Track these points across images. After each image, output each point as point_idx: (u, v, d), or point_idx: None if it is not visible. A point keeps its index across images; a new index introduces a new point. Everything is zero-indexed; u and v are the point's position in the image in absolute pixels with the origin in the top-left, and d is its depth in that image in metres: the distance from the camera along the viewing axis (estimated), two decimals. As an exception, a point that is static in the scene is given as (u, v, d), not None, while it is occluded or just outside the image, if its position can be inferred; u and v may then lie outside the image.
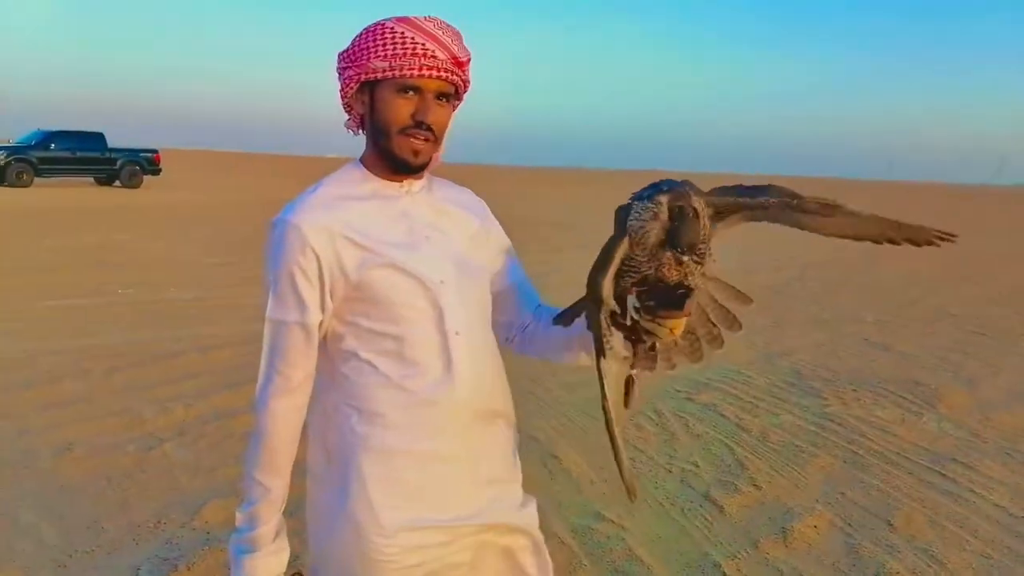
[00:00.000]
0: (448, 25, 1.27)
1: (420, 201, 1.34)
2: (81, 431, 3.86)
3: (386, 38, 1.23)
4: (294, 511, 1.41)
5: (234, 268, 8.81)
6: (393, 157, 1.28)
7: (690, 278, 1.29)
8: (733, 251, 13.77)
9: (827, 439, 4.15)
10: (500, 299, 1.45)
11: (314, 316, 1.25)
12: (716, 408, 4.59)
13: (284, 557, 1.30)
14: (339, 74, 1.28)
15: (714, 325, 1.43)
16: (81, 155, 22.88)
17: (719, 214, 1.32)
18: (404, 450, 1.27)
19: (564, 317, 1.39)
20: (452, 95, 1.29)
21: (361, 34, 1.26)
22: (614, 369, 1.31)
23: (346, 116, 1.33)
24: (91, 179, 23.81)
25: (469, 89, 1.32)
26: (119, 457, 3.58)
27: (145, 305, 6.99)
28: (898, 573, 2.78)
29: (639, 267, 1.28)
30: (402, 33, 1.23)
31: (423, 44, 1.22)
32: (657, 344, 1.35)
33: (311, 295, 1.24)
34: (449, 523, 1.30)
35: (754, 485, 3.51)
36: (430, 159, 1.29)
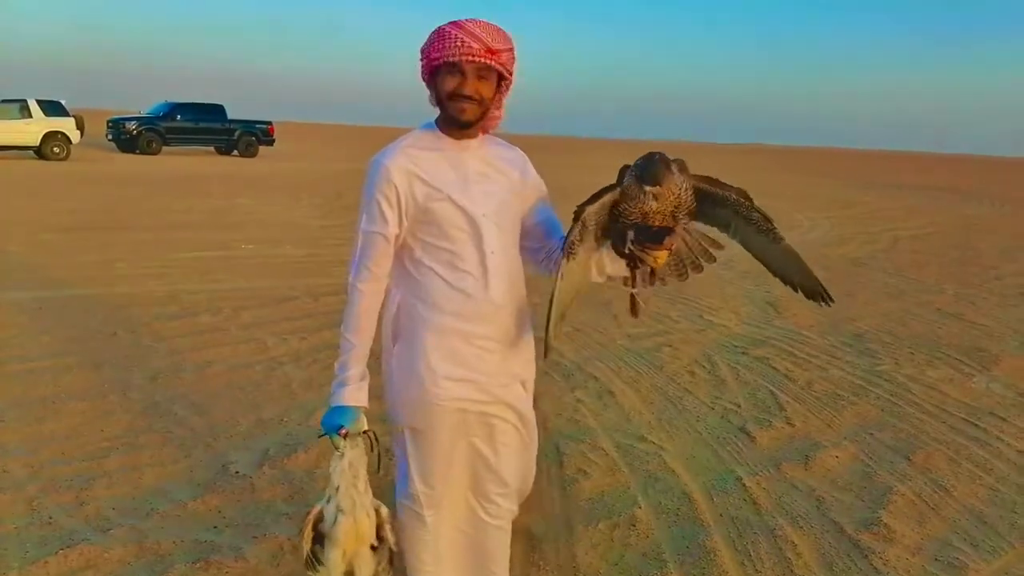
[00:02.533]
0: (489, 25, 1.76)
1: (474, 154, 1.84)
2: (217, 353, 4.67)
3: (440, 36, 1.73)
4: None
5: (341, 230, 9.66)
6: (449, 116, 1.80)
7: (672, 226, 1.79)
8: (824, 225, 13.69)
9: (870, 391, 4.47)
10: (534, 231, 1.97)
11: (392, 229, 1.79)
12: (768, 361, 4.96)
13: (363, 394, 1.84)
14: (421, 67, 1.82)
15: (696, 256, 1.93)
16: (203, 125, 24.68)
17: (699, 196, 1.79)
18: (454, 329, 1.82)
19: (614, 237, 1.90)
20: (495, 75, 1.78)
21: (430, 35, 1.79)
22: (571, 270, 1.81)
23: (427, 94, 1.86)
24: (212, 148, 25.61)
25: (513, 72, 1.82)
26: (249, 374, 4.35)
27: (264, 259, 7.90)
28: (904, 495, 3.16)
29: (631, 215, 1.79)
30: (449, 31, 1.72)
31: (462, 39, 1.71)
32: (650, 269, 1.87)
33: (391, 215, 1.78)
34: (484, 382, 1.86)
35: (788, 423, 3.91)
36: (477, 118, 1.80)
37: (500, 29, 1.79)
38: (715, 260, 1.95)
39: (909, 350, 5.38)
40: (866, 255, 9.97)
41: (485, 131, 1.90)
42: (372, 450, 1.88)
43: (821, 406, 4.18)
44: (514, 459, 1.98)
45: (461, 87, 1.76)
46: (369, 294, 1.83)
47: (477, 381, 1.85)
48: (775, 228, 1.85)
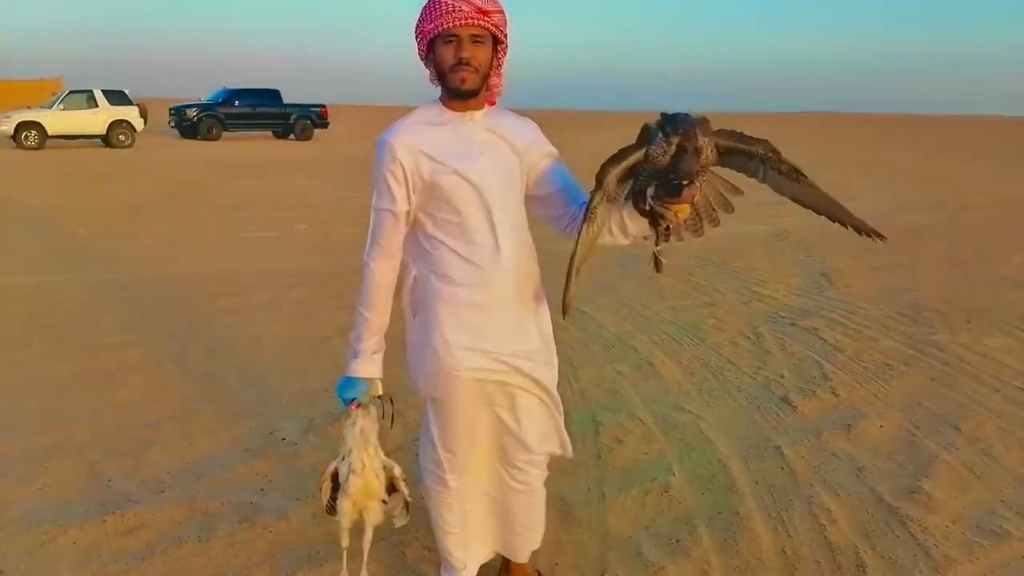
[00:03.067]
0: None
1: (479, 126, 1.85)
2: (268, 328, 4.85)
3: (430, 6, 1.75)
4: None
5: (390, 208, 9.82)
6: (451, 88, 1.80)
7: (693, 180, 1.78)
8: (887, 192, 13.23)
9: (922, 360, 4.35)
10: (552, 199, 1.98)
11: (401, 206, 1.83)
12: (817, 332, 4.87)
13: (377, 367, 1.92)
14: (417, 45, 1.82)
15: (714, 210, 1.92)
16: (260, 110, 25.21)
17: (721, 152, 1.78)
18: (468, 300, 1.85)
19: (635, 197, 1.92)
20: (490, 40, 1.79)
21: (421, 10, 1.80)
22: (591, 232, 1.82)
23: (427, 72, 1.86)
24: (269, 133, 26.18)
25: (507, 36, 1.82)
26: (298, 347, 4.50)
27: (316, 238, 8.09)
28: (948, 463, 3.09)
29: (651, 175, 1.79)
30: (438, 0, 1.73)
31: (452, 4, 1.72)
32: (670, 225, 1.87)
33: (400, 192, 1.81)
34: (499, 352, 1.89)
35: (833, 393, 3.85)
36: (478, 86, 1.81)
37: None
38: (733, 210, 1.94)
39: (967, 319, 5.19)
40: (930, 223, 9.61)
41: (490, 103, 1.92)
42: (384, 416, 1.97)
43: (869, 376, 4.09)
44: (537, 427, 2.02)
45: (459, 53, 1.77)
46: (380, 270, 1.89)
47: (492, 351, 1.89)
48: (806, 176, 1.82)
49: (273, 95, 25.67)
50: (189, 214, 9.59)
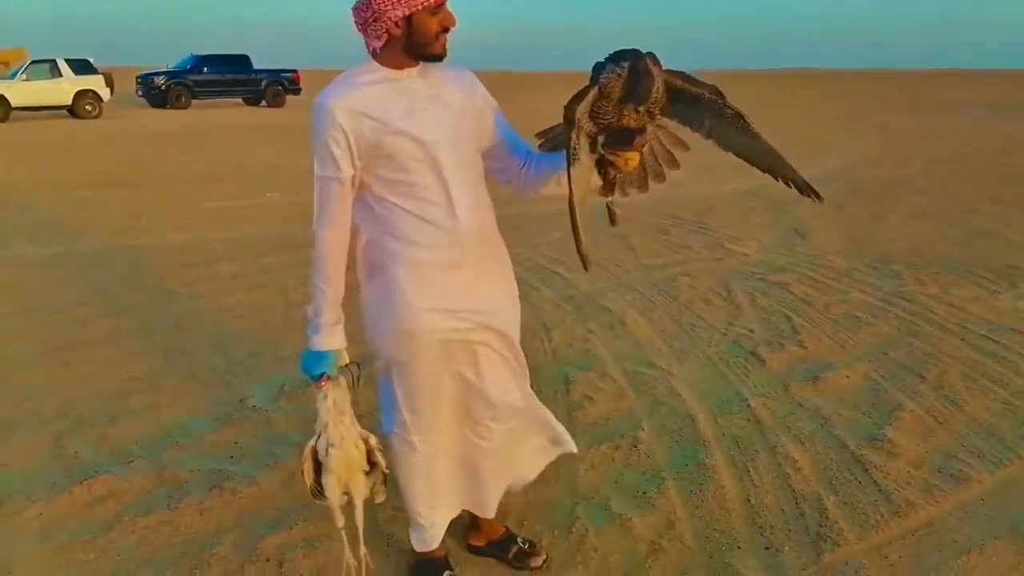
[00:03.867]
0: None
1: (417, 82, 1.78)
2: (239, 298, 4.79)
3: None
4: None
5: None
6: (431, 55, 1.75)
7: (643, 126, 1.76)
8: (858, 148, 13.28)
9: (890, 312, 4.40)
10: (495, 150, 1.95)
11: (347, 172, 1.75)
12: (787, 287, 4.90)
13: (340, 337, 1.88)
14: (374, 14, 1.70)
15: (660, 165, 1.91)
16: (230, 77, 24.67)
17: (671, 93, 1.76)
18: (427, 260, 1.82)
19: (544, 134, 1.89)
20: None
21: None
22: (579, 174, 1.78)
23: (363, 38, 1.77)
24: (240, 100, 25.65)
25: None
26: (269, 316, 4.46)
27: (286, 206, 7.98)
28: (912, 411, 3.14)
29: (606, 115, 1.76)
30: None
31: None
32: (617, 175, 1.85)
33: (343, 157, 1.74)
34: (463, 311, 1.88)
35: (801, 346, 3.89)
36: None
37: None
38: (679, 166, 1.94)
39: (936, 271, 5.25)
40: (900, 178, 9.67)
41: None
42: (355, 384, 1.94)
43: (836, 328, 4.14)
44: (500, 382, 2.01)
45: (448, 20, 1.74)
46: (332, 240, 1.83)
47: (456, 310, 1.87)
48: (750, 124, 1.80)
49: (243, 61, 25.12)
50: (156, 184, 9.42)
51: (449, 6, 1.76)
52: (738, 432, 2.99)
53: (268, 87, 25.15)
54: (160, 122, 19.33)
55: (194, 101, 24.20)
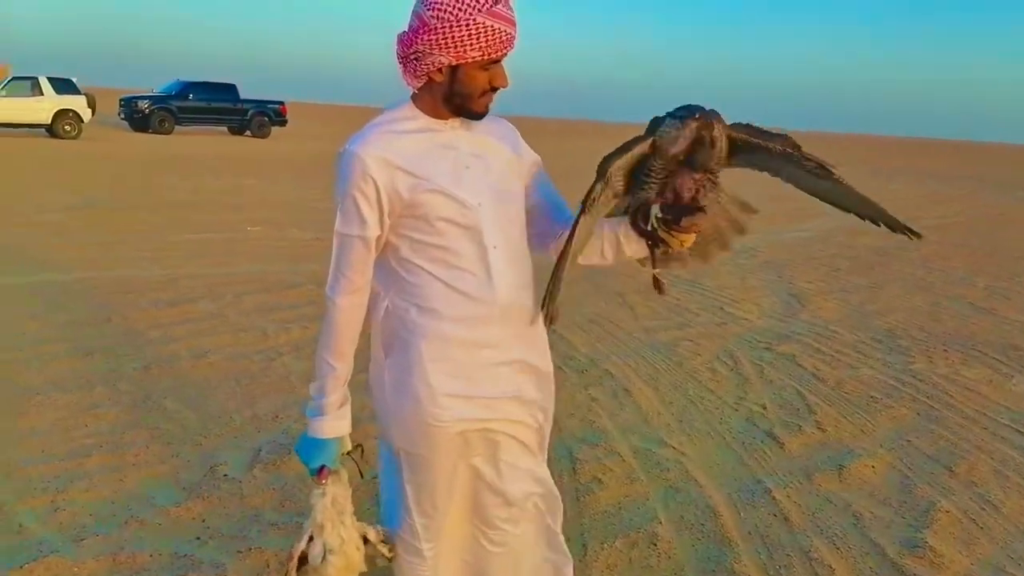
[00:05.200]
0: None
1: (461, 135, 1.56)
2: (215, 342, 4.46)
3: (478, 32, 1.43)
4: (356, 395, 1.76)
5: (349, 212, 9.43)
6: (470, 112, 1.53)
7: (701, 196, 1.54)
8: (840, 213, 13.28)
9: (905, 392, 4.19)
10: (535, 213, 1.72)
11: (373, 231, 1.51)
12: (795, 358, 4.69)
13: (345, 422, 1.60)
14: (415, 53, 1.47)
15: (725, 234, 1.71)
16: (216, 105, 24.42)
17: (734, 148, 1.55)
18: (455, 337, 1.55)
19: (632, 214, 1.68)
20: None
21: (441, 27, 1.42)
22: (585, 227, 1.59)
23: (401, 70, 1.53)
24: (224, 128, 25.37)
25: None
26: (246, 364, 4.14)
27: (269, 242, 7.68)
28: (948, 512, 2.89)
29: (658, 174, 1.54)
30: (492, 27, 1.44)
31: (506, 31, 1.45)
32: (667, 252, 1.64)
33: (371, 214, 1.49)
34: (490, 398, 1.61)
35: (819, 428, 3.65)
36: None
37: None
38: (745, 232, 1.74)
39: (943, 347, 5.08)
40: (892, 245, 9.59)
41: None
42: (360, 475, 1.65)
43: (853, 409, 3.91)
44: (520, 477, 1.73)
45: (499, 80, 1.52)
46: (349, 308, 1.56)
47: (482, 397, 1.60)
48: (833, 172, 1.59)
49: (229, 89, 24.94)
50: (134, 212, 9.06)
51: (505, 64, 1.53)
52: (765, 530, 2.71)
53: (254, 117, 24.96)
54: (141, 146, 18.99)
55: (177, 127, 23.89)
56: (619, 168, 1.54)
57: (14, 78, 19.91)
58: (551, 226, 1.73)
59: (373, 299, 1.61)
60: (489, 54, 1.46)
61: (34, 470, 2.89)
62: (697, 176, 1.52)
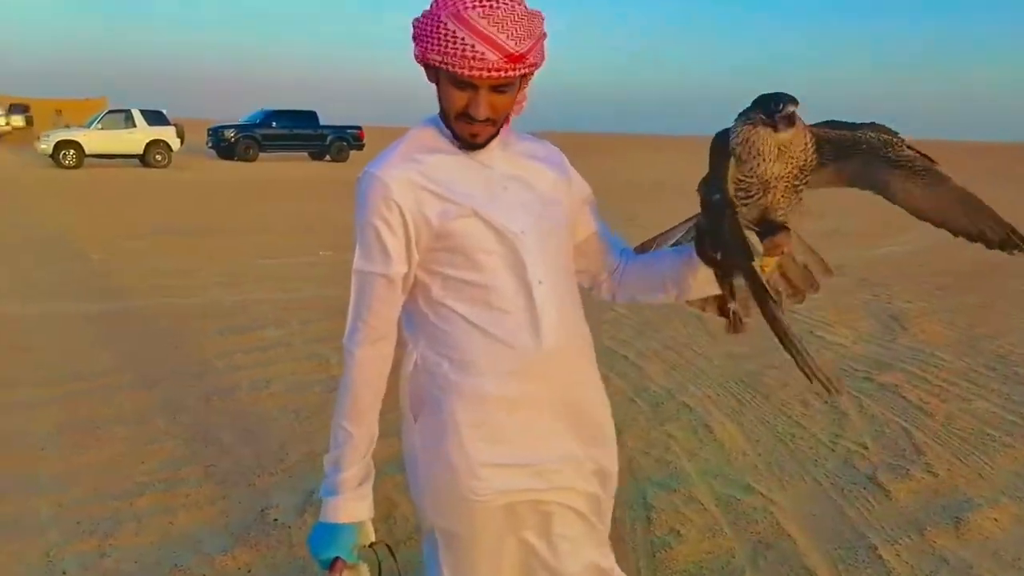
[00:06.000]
0: (509, 9, 1.20)
1: (497, 153, 1.35)
2: (277, 371, 4.37)
3: (439, 34, 1.21)
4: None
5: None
6: (457, 136, 1.31)
7: (782, 210, 1.29)
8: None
9: (1027, 430, 3.71)
10: (584, 247, 1.48)
11: (398, 267, 1.29)
12: (897, 390, 4.24)
13: (366, 504, 1.35)
14: (415, 38, 1.28)
15: (800, 284, 1.46)
16: (297, 132, 25.19)
17: (821, 151, 1.28)
18: (495, 395, 1.31)
19: (653, 243, 1.41)
20: (514, 84, 1.26)
21: (421, 18, 1.25)
22: (756, 280, 1.27)
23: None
24: (305, 154, 26.11)
25: (538, 68, 1.31)
26: (307, 395, 4.02)
27: (340, 266, 7.62)
28: (1094, 580, 2.46)
29: (748, 189, 1.28)
30: (454, 32, 1.20)
31: (472, 46, 1.19)
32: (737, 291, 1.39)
33: (395, 246, 1.28)
34: (539, 464, 1.36)
35: (929, 471, 3.23)
36: (493, 134, 1.31)
37: (525, 11, 1.24)
38: (818, 290, 1.50)
39: (1069, 376, 4.52)
40: (1001, 258, 8.71)
41: (506, 120, 1.38)
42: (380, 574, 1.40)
43: (968, 449, 3.46)
44: (579, 555, 1.46)
45: (472, 109, 1.26)
46: (370, 360, 1.33)
47: (529, 464, 1.35)
48: (936, 165, 1.29)
49: (310, 116, 25.67)
50: (213, 238, 9.27)
51: (490, 96, 1.25)
52: (873, 599, 2.36)
53: (333, 142, 25.57)
54: (225, 173, 19.69)
55: (261, 154, 24.70)
56: (731, 187, 1.27)
57: (109, 111, 21.04)
58: (604, 261, 1.50)
59: (400, 351, 1.39)
60: (451, 66, 1.22)
61: (86, 510, 2.81)
62: (776, 187, 1.26)
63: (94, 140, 20.07)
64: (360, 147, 26.25)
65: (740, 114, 1.26)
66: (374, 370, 1.34)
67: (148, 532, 2.68)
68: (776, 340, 1.31)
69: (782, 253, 1.33)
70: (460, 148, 1.34)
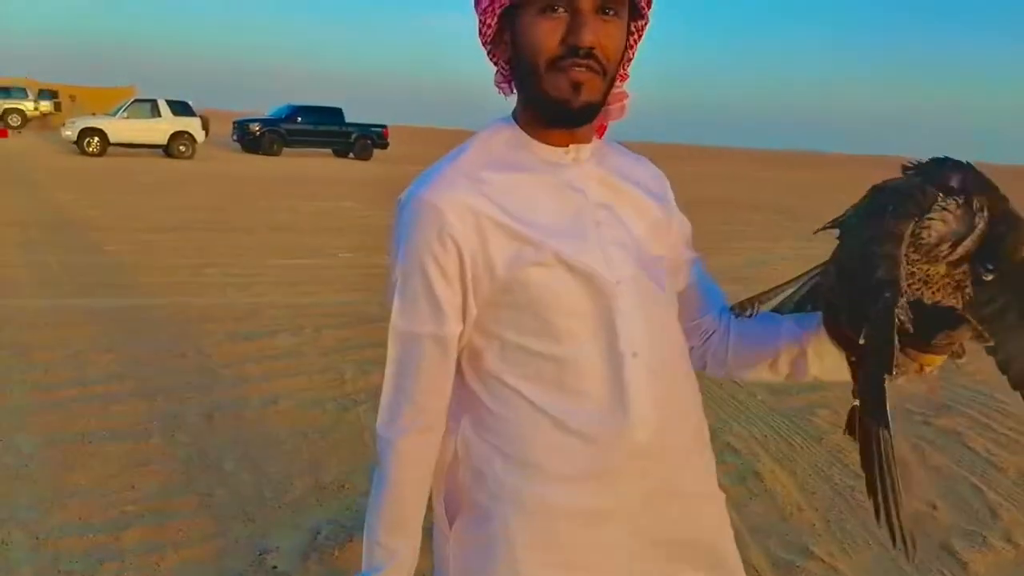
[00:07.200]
0: None
1: (590, 173, 1.00)
2: (288, 385, 4.07)
3: None
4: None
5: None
6: (547, 102, 0.93)
7: (952, 297, 0.94)
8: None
9: (1114, 493, 3.32)
10: (683, 300, 1.12)
11: (453, 326, 0.96)
12: (961, 437, 3.86)
13: None
14: (476, 10, 0.97)
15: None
16: (322, 128, 25.05)
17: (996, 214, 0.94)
18: (566, 509, 0.97)
19: (753, 303, 1.04)
20: (627, 9, 0.94)
21: None
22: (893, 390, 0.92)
23: (494, 69, 1.02)
24: (330, 150, 25.98)
25: (649, 9, 0.98)
26: (318, 414, 3.71)
27: (359, 269, 7.38)
28: None
29: (915, 274, 0.95)
30: None
31: None
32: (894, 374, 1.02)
33: (450, 298, 0.95)
34: None
35: (1009, 541, 2.87)
36: (600, 99, 0.94)
37: None
38: (964, 355, 1.08)
39: None
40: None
41: (603, 126, 1.04)
42: None
43: (1050, 515, 3.09)
44: None
45: (574, 36, 0.89)
46: (419, 453, 1.00)
47: None
48: None
49: (335, 113, 25.54)
50: (230, 234, 9.01)
51: (595, 22, 0.90)
52: None
53: (358, 140, 25.41)
54: (249, 167, 19.53)
55: (285, 149, 24.57)
56: (903, 264, 0.91)
57: (136, 100, 20.97)
58: (700, 321, 1.13)
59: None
60: None
61: (66, 543, 2.52)
62: (988, 278, 0.91)
63: (119, 129, 19.98)
64: (384, 146, 26.08)
65: (920, 172, 0.93)
66: (424, 467, 1.00)
67: (132, 573, 2.38)
68: (859, 462, 0.95)
69: (956, 352, 0.94)
70: (548, 145, 0.99)
